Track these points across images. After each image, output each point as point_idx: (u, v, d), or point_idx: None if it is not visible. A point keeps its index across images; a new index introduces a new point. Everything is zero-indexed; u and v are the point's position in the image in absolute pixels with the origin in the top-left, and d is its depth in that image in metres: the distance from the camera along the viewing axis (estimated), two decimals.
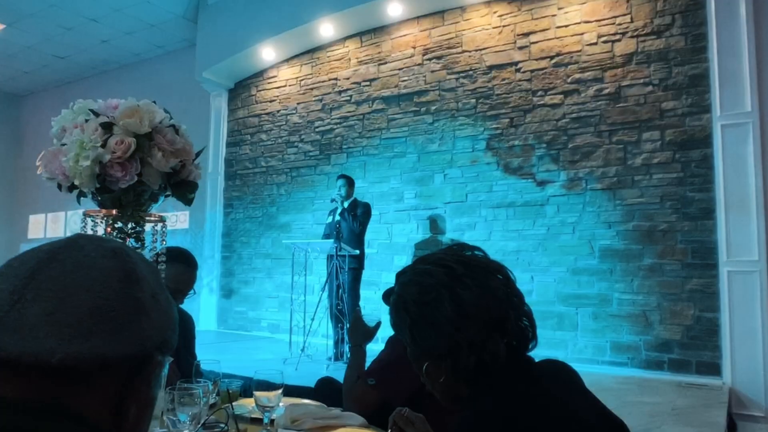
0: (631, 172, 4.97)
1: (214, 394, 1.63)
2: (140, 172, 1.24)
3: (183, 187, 1.35)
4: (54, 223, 9.73)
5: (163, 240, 1.37)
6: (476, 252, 1.04)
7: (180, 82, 8.09)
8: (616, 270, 4.96)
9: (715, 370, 4.46)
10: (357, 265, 5.19)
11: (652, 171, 4.88)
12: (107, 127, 1.24)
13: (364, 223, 5.22)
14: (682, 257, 4.69)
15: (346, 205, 5.31)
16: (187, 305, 2.49)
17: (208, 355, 5.66)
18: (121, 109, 1.26)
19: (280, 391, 1.53)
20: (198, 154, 1.40)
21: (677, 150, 4.80)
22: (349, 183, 5.41)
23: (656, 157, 4.88)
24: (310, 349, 5.05)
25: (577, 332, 5.06)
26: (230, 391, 1.63)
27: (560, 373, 1.04)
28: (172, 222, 8.17)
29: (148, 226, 1.35)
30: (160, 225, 1.36)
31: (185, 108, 8.05)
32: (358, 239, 5.22)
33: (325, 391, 2.24)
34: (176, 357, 2.16)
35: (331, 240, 4.94)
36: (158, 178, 1.28)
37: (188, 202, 1.40)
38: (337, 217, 5.24)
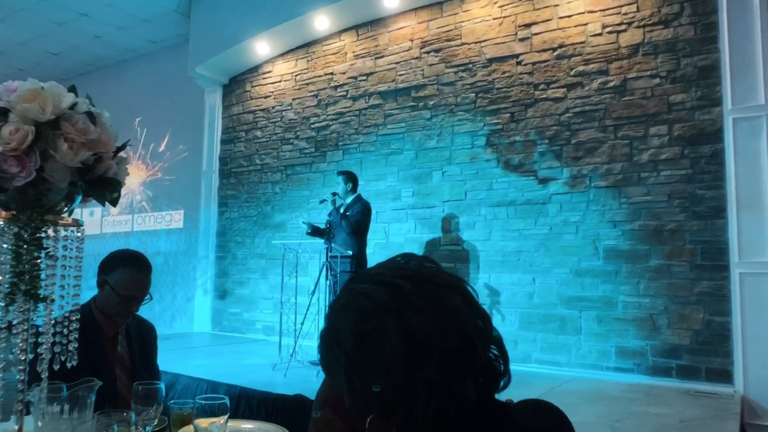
0: (638, 169, 4.74)
1: (154, 422, 1.43)
2: (41, 166, 1.04)
3: (101, 186, 1.15)
4: None
5: (79, 248, 1.16)
6: (426, 264, 0.81)
7: (175, 78, 7.92)
8: (621, 271, 4.73)
9: (726, 377, 4.23)
10: (354, 267, 4.91)
11: (660, 167, 4.65)
12: (2, 114, 1.04)
13: (357, 222, 4.96)
14: (691, 258, 4.46)
15: (348, 201, 5.10)
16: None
17: (199, 360, 5.45)
18: (20, 93, 1.05)
19: (224, 418, 1.33)
20: (121, 148, 1.20)
21: (686, 145, 4.56)
22: (347, 179, 5.19)
23: (664, 152, 4.64)
24: (302, 353, 4.85)
25: (580, 336, 4.83)
26: (170, 417, 1.43)
27: (546, 423, 0.81)
28: (167, 221, 8.01)
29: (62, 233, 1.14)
30: (73, 231, 1.15)
31: (180, 105, 7.92)
32: (355, 240, 4.97)
33: (294, 413, 2.04)
34: (131, 373, 1.97)
35: (322, 240, 4.73)
36: (66, 174, 1.08)
37: (112, 202, 1.20)
38: (330, 217, 5.03)
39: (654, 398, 3.96)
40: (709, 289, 4.37)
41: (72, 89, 1.17)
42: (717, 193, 4.40)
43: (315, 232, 4.98)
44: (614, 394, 4.05)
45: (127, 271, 1.91)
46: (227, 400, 1.35)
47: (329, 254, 4.70)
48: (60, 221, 1.13)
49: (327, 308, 0.84)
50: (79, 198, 1.18)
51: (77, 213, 1.26)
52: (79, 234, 1.17)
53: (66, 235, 1.14)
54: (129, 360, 1.98)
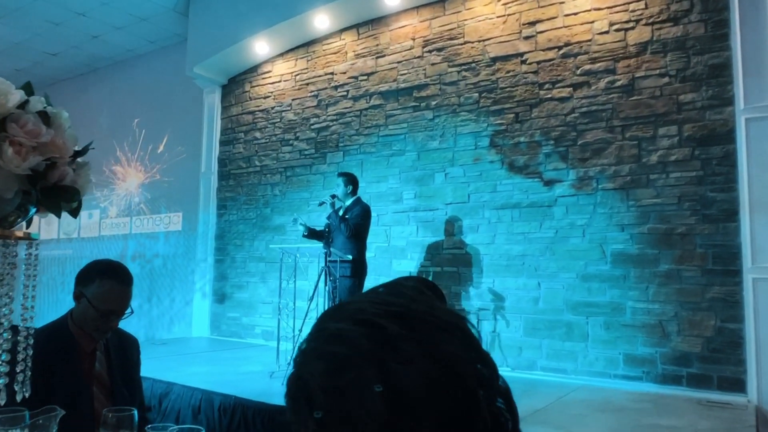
0: (646, 171, 4.59)
1: None
2: None
3: (56, 195, 1.02)
4: (48, 225, 9.49)
5: (32, 265, 1.03)
6: (417, 296, 0.62)
7: (173, 78, 7.81)
8: (629, 276, 4.58)
9: (738, 386, 4.08)
10: (351, 273, 4.75)
11: (669, 169, 4.50)
12: None
13: (357, 226, 4.81)
14: (701, 263, 4.32)
15: (348, 203, 4.96)
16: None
17: (195, 366, 5.31)
18: None
19: None
20: (81, 152, 1.07)
21: (696, 146, 4.42)
22: (347, 181, 5.04)
23: (673, 154, 4.50)
24: None
25: (587, 343, 4.69)
26: None
27: None
28: (165, 224, 7.89)
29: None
30: (27, 245, 1.02)
31: (178, 105, 7.80)
32: (354, 244, 4.81)
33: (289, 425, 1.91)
34: (110, 392, 1.84)
35: (321, 244, 4.59)
36: (12, 182, 0.95)
37: (71, 213, 1.07)
38: (328, 220, 4.89)
39: (664, 408, 3.82)
40: (721, 294, 4.22)
41: (26, 86, 1.04)
42: (729, 195, 4.26)
43: (311, 234, 4.84)
44: (623, 404, 3.90)
45: (106, 284, 1.77)
46: (203, 431, 1.22)
47: (328, 258, 4.56)
48: (11, 236, 0.99)
49: (296, 350, 0.64)
50: (33, 209, 1.05)
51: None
52: (33, 249, 1.03)
53: (15, 251, 1.01)
54: (108, 378, 1.85)
